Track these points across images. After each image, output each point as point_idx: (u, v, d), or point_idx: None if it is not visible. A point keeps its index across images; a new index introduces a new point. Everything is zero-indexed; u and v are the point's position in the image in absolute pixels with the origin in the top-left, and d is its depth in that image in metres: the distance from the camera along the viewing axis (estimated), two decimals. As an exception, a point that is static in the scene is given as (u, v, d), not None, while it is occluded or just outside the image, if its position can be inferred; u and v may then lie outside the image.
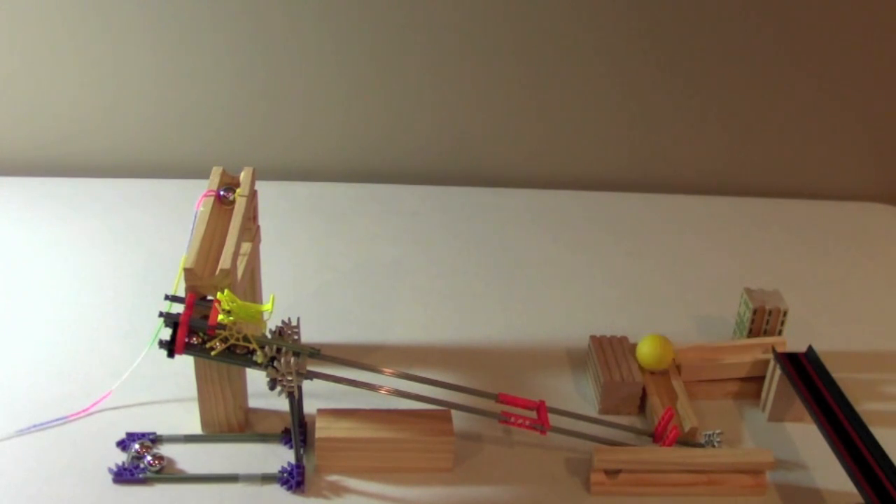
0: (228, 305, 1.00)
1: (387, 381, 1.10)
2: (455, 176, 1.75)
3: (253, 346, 1.02)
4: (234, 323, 1.01)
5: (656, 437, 1.16)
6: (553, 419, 1.12)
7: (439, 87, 1.67)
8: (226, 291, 1.01)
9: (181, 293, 1.04)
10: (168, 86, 1.63)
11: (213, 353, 1.02)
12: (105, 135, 1.67)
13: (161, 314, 1.04)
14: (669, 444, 1.14)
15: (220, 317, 1.00)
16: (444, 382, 1.12)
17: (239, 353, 1.03)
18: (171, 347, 1.02)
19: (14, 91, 1.62)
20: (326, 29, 1.60)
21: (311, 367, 1.06)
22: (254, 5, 1.57)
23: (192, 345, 1.03)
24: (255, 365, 1.03)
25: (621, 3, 1.60)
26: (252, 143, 1.70)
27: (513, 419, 1.10)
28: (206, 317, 1.02)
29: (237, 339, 1.02)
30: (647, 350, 1.23)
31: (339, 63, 1.64)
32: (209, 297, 1.03)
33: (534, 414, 1.12)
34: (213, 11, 1.57)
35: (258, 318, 1.03)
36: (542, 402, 1.12)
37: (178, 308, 1.04)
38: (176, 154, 1.70)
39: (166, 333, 1.04)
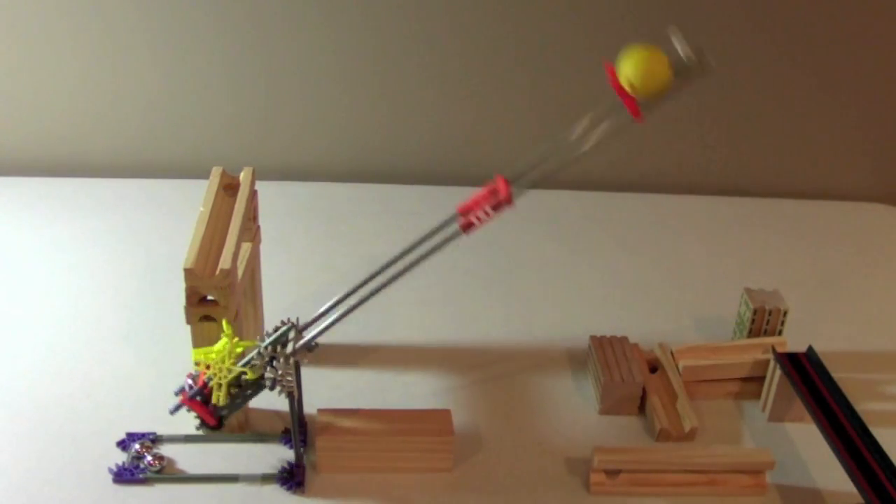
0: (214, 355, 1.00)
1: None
2: (455, 176, 1.75)
3: (243, 370, 1.02)
4: (217, 363, 1.00)
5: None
6: (553, 419, 1.12)
7: (439, 87, 1.67)
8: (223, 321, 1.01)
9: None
10: (168, 86, 1.63)
11: (221, 401, 1.01)
12: (105, 135, 1.67)
13: (176, 407, 1.03)
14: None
15: (206, 375, 1.01)
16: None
17: (245, 384, 1.03)
18: (207, 424, 1.02)
19: (14, 91, 1.62)
20: (326, 29, 1.60)
21: (305, 361, 1.05)
22: (253, 5, 1.57)
23: (218, 407, 1.02)
24: (263, 385, 1.02)
25: (620, 3, 1.60)
26: (252, 143, 1.70)
27: (472, 217, 1.01)
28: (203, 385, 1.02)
29: (226, 375, 1.01)
30: (631, 67, 0.90)
31: (338, 63, 1.64)
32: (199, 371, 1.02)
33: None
34: (212, 11, 1.57)
35: (251, 344, 1.03)
36: (499, 176, 1.01)
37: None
38: (176, 154, 1.70)
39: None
